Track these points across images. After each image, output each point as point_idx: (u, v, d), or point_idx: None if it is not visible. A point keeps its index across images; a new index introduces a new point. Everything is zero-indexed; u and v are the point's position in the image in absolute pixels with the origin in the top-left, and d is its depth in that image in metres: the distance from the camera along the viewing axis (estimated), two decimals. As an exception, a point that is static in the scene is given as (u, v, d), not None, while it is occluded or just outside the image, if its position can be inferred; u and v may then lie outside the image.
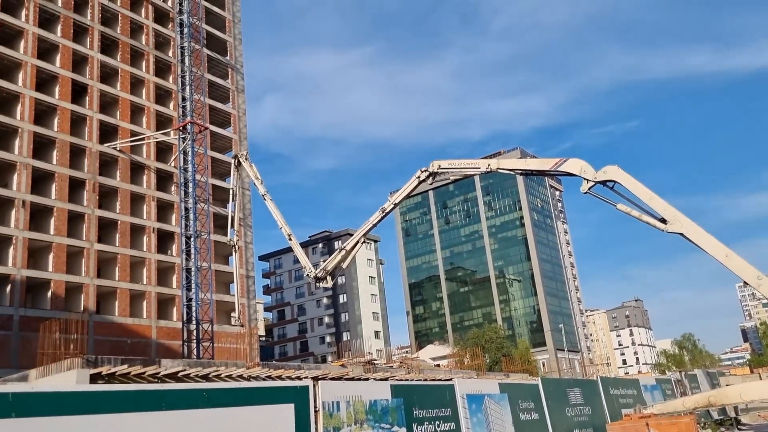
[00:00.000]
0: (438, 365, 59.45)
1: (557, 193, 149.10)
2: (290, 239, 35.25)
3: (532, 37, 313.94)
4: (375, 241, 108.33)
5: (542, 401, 18.05)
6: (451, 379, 15.71)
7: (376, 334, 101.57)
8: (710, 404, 26.99)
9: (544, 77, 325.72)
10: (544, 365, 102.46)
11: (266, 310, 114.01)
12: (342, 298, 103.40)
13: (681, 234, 25.85)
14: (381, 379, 16.67)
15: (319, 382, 11.35)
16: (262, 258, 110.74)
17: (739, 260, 25.44)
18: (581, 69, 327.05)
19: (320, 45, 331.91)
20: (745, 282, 26.03)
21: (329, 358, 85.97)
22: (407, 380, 18.43)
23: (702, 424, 29.37)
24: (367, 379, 18.54)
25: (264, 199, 36.06)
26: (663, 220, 26.12)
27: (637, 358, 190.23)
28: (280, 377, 17.56)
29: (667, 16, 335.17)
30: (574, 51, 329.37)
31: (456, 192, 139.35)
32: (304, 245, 75.46)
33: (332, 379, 17.06)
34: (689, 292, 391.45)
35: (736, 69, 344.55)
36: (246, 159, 39.13)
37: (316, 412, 10.71)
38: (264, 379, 16.88)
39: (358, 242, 31.43)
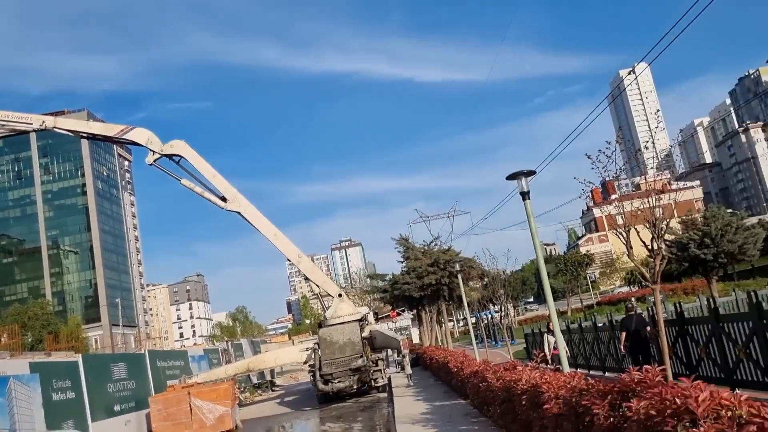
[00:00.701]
0: (-37, 348, 50.69)
1: (126, 163, 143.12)
2: None
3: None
4: None
5: (81, 379, 16.95)
6: (-35, 362, 13.47)
7: None
8: (249, 369, 29.55)
9: (122, 41, 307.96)
10: (96, 342, 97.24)
11: None
12: None
13: (239, 213, 27.62)
14: None
15: None
16: None
17: (285, 240, 28.47)
18: (161, 41, 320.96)
19: None
20: (289, 259, 29.38)
21: None
22: None
23: (242, 389, 31.89)
24: None
25: None
26: (224, 199, 27.45)
27: (194, 331, 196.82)
28: None
29: (245, 8, 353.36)
30: (155, 20, 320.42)
31: (6, 149, 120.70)
32: None
33: None
34: (247, 267, 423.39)
35: (301, 69, 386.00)
36: None
37: None
38: None
39: None
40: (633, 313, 14.56)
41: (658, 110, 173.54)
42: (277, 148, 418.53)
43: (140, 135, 27.18)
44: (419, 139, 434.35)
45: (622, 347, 14.70)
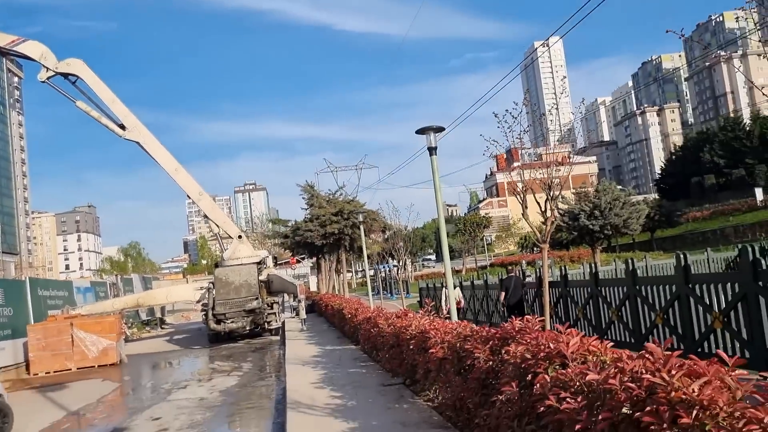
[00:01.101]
0: None
1: (16, 79, 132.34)
2: None
3: None
4: None
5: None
6: None
7: None
8: (139, 305, 28.77)
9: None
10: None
11: None
12: None
13: (138, 143, 26.37)
14: None
15: None
16: None
17: (186, 176, 27.55)
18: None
19: None
20: (189, 196, 28.52)
21: None
22: None
23: (130, 324, 31.06)
24: None
25: None
26: (122, 127, 26.10)
27: (82, 264, 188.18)
28: None
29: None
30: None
31: None
32: None
33: None
34: (143, 202, 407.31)
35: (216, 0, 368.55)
36: None
37: None
38: None
39: None
40: (513, 274, 15.89)
41: (564, 77, 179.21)
42: (185, 82, 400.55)
43: (34, 48, 25.19)
44: (333, 88, 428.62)
45: (501, 304, 15.90)
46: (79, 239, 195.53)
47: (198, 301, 26.69)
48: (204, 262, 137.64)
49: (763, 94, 5.91)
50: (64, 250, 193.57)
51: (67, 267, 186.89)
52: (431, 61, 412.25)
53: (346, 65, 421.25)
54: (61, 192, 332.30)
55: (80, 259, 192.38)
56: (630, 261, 11.67)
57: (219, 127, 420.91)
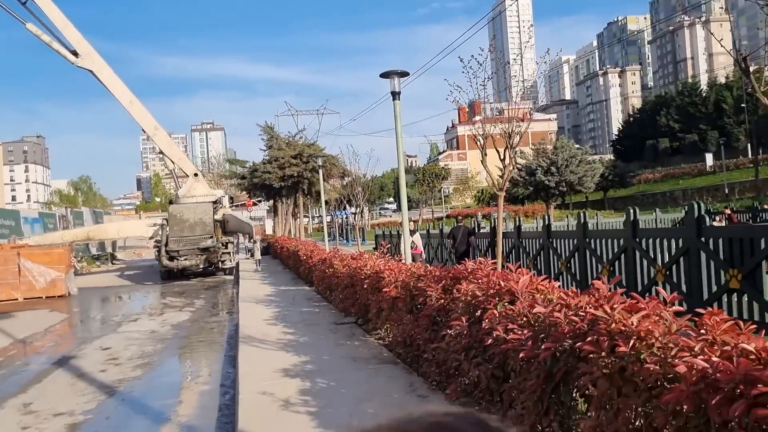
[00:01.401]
0: None
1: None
2: None
3: None
4: None
5: None
6: None
7: None
8: (89, 238, 28.27)
9: None
10: None
11: None
12: None
13: (91, 71, 25.39)
14: None
15: None
16: None
17: (141, 108, 26.76)
18: None
19: None
20: (144, 130, 27.77)
21: None
22: None
23: (79, 258, 30.54)
24: None
25: None
26: (75, 53, 25.04)
27: (29, 196, 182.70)
28: None
29: None
30: None
31: None
32: None
33: None
34: (95, 135, 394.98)
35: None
36: None
37: None
38: None
39: None
40: (461, 224, 16.48)
41: (532, 25, 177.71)
42: (142, 12, 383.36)
43: (-19, -36, 23.73)
44: (297, 28, 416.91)
45: (449, 251, 16.55)
46: (26, 170, 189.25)
47: (151, 238, 26.36)
48: (158, 199, 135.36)
49: (727, 51, 6.04)
50: (11, 180, 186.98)
51: (13, 198, 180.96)
52: (397, 7, 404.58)
53: (310, 5, 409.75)
54: (8, 120, 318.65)
55: (27, 191, 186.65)
56: (582, 214, 11.96)
57: (176, 62, 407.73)
